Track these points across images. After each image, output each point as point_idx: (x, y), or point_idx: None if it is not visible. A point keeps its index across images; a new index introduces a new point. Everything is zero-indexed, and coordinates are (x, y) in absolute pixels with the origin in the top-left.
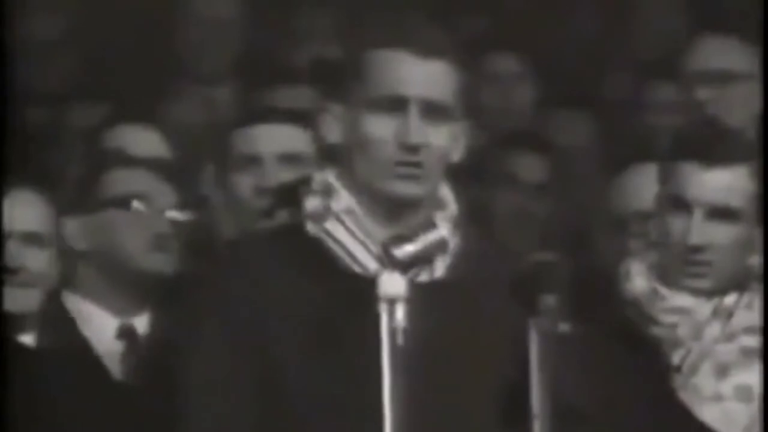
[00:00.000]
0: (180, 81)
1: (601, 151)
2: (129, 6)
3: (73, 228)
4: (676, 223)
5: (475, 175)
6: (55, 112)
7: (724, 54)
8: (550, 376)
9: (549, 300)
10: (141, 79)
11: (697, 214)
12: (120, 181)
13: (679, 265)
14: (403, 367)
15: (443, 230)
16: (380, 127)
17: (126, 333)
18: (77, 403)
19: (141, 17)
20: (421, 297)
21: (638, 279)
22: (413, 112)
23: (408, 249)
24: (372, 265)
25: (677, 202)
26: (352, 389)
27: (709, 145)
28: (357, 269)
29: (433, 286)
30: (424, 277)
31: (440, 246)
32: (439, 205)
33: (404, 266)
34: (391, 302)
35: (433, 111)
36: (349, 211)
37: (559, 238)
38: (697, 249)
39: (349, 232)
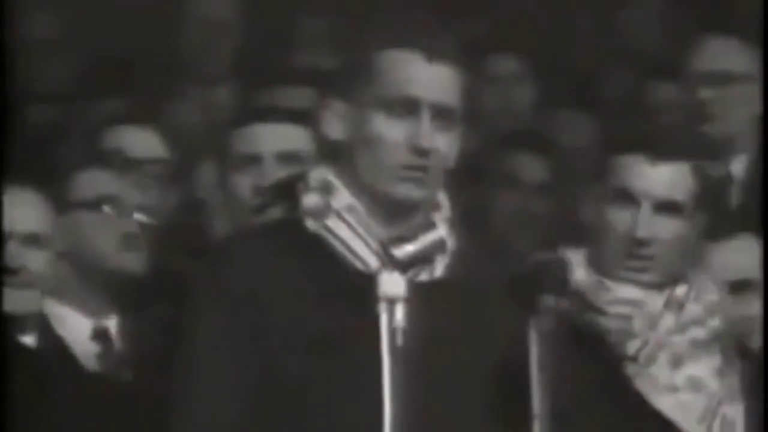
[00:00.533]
0: (180, 82)
1: (602, 151)
2: (129, 6)
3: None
4: (621, 216)
5: (476, 176)
6: (55, 112)
7: (726, 55)
8: (550, 376)
9: (549, 300)
10: (141, 80)
11: (645, 208)
12: (87, 182)
13: (620, 258)
14: (403, 367)
15: (442, 230)
16: (391, 129)
17: (100, 335)
18: (77, 402)
19: (141, 18)
20: (421, 297)
21: (578, 269)
22: (425, 115)
23: (408, 249)
24: (374, 262)
25: (623, 195)
26: (352, 389)
27: (655, 140)
28: (359, 266)
29: (433, 286)
30: (423, 277)
31: (440, 246)
32: (436, 206)
33: (404, 266)
34: (391, 302)
35: (442, 115)
36: (351, 209)
37: (560, 237)
38: (643, 242)
39: (351, 229)
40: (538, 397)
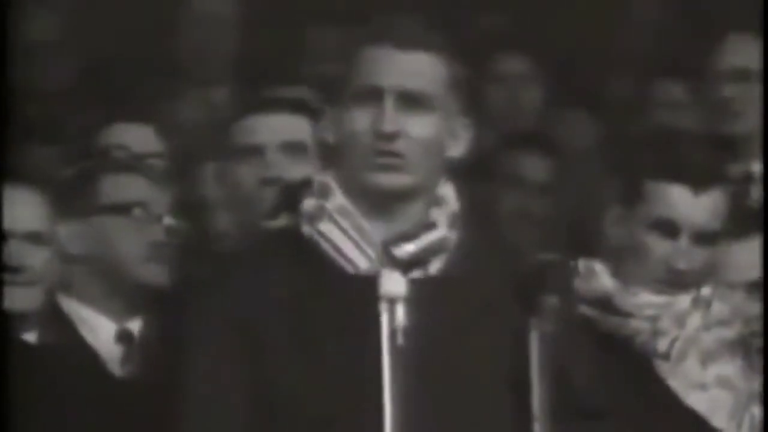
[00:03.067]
0: (179, 81)
1: (608, 151)
2: (129, 6)
3: (69, 232)
4: (660, 245)
5: (480, 175)
6: (55, 111)
7: (746, 53)
8: (551, 376)
9: (551, 300)
10: (140, 79)
11: (684, 239)
12: (117, 187)
13: (653, 279)
14: (404, 366)
15: (443, 229)
16: (359, 120)
17: (125, 337)
18: (78, 400)
19: (141, 17)
20: (422, 296)
21: (604, 277)
22: (388, 101)
23: (408, 248)
24: (363, 264)
25: (664, 225)
26: (352, 388)
27: (697, 167)
28: (348, 268)
29: (435, 285)
30: (424, 276)
31: (441, 245)
32: (437, 201)
33: (405, 266)
34: (392, 302)
35: (410, 100)
36: (343, 211)
37: (562, 238)
38: (683, 273)
39: (341, 231)
40: (538, 398)
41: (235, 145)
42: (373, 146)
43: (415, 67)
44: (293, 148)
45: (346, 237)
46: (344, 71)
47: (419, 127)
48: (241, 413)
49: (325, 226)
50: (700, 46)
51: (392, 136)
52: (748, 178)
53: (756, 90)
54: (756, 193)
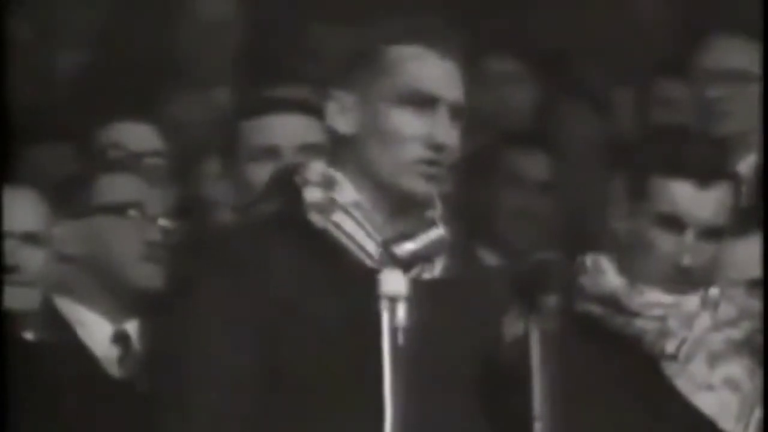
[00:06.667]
0: (180, 80)
1: (610, 148)
2: (129, 6)
3: (65, 232)
4: (666, 241)
5: (478, 174)
6: (54, 111)
7: (736, 53)
8: (550, 376)
9: (550, 300)
10: (141, 79)
11: (689, 234)
12: (112, 187)
13: (660, 276)
14: (404, 365)
15: (442, 229)
16: (408, 124)
17: (121, 338)
18: (76, 400)
19: (141, 17)
20: (422, 295)
21: (611, 274)
22: (443, 111)
23: (408, 247)
24: (380, 257)
25: (669, 221)
26: (353, 388)
27: (701, 162)
28: (367, 261)
29: (434, 284)
30: (425, 275)
31: (440, 244)
32: (435, 203)
33: (405, 264)
34: (392, 300)
35: (456, 113)
36: (357, 205)
37: (565, 236)
38: (688, 270)
39: (358, 224)
40: (538, 398)
41: (249, 144)
42: (419, 153)
43: (455, 78)
44: (310, 150)
45: (364, 231)
46: (369, 62)
47: (458, 140)
48: (240, 409)
49: (341, 219)
50: (690, 45)
51: (444, 148)
52: (737, 178)
53: (745, 91)
54: (745, 192)
